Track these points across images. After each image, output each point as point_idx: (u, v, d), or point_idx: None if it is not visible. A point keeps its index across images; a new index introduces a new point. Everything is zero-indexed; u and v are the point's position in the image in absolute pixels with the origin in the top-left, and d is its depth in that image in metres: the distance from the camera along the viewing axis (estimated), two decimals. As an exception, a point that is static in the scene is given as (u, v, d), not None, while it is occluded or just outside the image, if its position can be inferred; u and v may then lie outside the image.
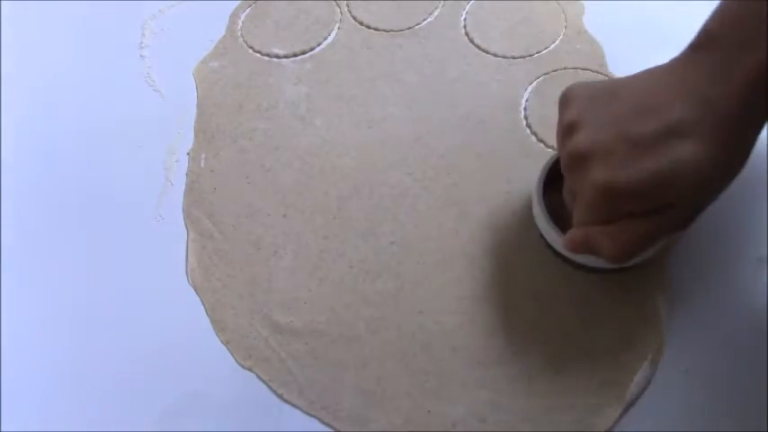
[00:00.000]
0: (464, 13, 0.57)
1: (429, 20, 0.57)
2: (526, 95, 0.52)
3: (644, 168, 0.34)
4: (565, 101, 0.39)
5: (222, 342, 0.44)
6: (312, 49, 0.56)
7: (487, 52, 0.55)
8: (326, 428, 0.41)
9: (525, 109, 0.52)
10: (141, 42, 0.57)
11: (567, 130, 0.38)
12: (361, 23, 0.57)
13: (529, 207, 0.46)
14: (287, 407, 0.42)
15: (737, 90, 0.34)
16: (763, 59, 0.33)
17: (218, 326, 0.44)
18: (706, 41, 0.36)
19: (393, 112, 0.52)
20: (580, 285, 0.44)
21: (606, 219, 0.37)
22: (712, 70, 0.34)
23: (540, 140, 0.50)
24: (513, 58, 0.54)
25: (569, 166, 0.38)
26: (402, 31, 0.57)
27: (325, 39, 0.57)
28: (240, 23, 0.58)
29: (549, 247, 0.44)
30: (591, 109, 0.38)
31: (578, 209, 0.38)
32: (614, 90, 0.38)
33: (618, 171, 0.35)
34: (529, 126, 0.51)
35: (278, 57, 0.56)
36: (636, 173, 0.35)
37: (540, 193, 0.44)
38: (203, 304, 0.45)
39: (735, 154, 0.35)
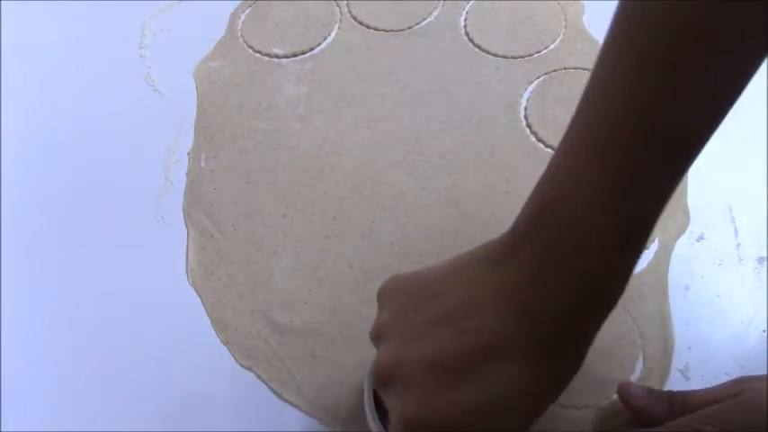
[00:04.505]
0: (464, 13, 0.57)
1: (429, 20, 0.57)
2: (526, 95, 0.52)
3: (456, 402, 0.29)
4: (379, 297, 0.34)
5: (222, 342, 0.44)
6: (312, 49, 0.56)
7: (487, 52, 0.55)
8: (326, 428, 0.41)
9: (525, 109, 0.52)
10: (141, 42, 0.57)
11: (375, 336, 0.34)
12: (361, 23, 0.57)
13: None
14: (287, 407, 0.42)
15: (558, 300, 0.28)
16: (588, 265, 0.28)
17: (218, 326, 0.44)
18: (521, 241, 0.30)
19: (393, 112, 0.52)
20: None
21: None
22: (531, 275, 0.29)
23: (540, 140, 0.50)
24: (513, 58, 0.54)
25: (377, 383, 0.33)
26: (402, 31, 0.57)
27: (325, 39, 0.57)
28: (240, 23, 0.58)
29: None
30: (400, 314, 0.32)
31: None
32: (427, 288, 0.32)
33: (425, 403, 0.30)
34: (529, 126, 0.51)
35: (278, 57, 0.56)
36: (446, 407, 0.29)
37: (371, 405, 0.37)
38: (203, 304, 0.45)
39: (546, 383, 0.29)
